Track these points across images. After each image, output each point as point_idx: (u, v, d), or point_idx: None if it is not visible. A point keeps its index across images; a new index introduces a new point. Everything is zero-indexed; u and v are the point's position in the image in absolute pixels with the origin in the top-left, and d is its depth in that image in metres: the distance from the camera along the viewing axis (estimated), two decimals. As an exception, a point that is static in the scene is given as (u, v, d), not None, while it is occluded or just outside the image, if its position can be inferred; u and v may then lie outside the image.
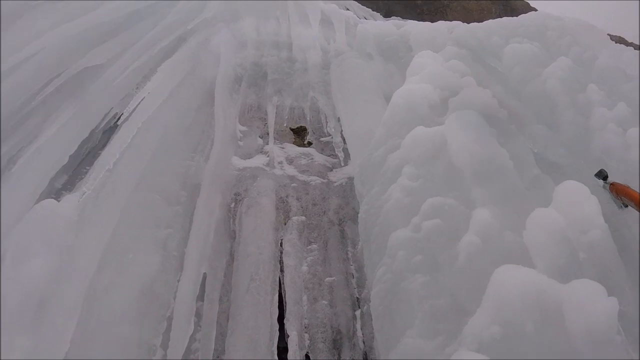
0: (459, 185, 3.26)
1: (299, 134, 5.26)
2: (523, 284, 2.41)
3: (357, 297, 3.88)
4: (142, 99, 4.60)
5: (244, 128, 5.08)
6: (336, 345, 3.59)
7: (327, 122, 5.22)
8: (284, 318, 3.62)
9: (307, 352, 3.53)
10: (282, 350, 3.49)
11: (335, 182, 4.65)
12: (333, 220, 4.34)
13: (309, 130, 5.29)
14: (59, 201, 3.95)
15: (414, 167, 3.49)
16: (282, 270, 3.89)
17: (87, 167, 4.49)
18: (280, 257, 3.97)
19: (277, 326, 3.54)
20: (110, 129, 4.78)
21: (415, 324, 2.76)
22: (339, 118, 5.12)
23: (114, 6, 5.68)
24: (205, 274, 3.80)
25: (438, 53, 5.01)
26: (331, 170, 4.83)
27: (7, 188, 4.04)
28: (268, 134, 5.07)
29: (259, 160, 4.72)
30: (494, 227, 2.90)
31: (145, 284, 3.63)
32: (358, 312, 3.78)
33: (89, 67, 4.93)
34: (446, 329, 2.66)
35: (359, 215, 3.75)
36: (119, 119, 4.73)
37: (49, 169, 4.21)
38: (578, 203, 2.94)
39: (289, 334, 3.50)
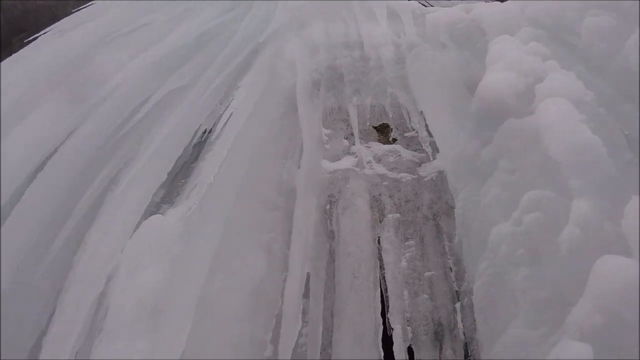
0: (556, 177, 3.34)
1: (383, 132, 5.48)
2: (624, 275, 2.53)
3: (456, 290, 4.08)
4: (230, 115, 5.02)
5: (328, 131, 5.39)
6: (438, 337, 3.83)
7: (409, 117, 5.39)
8: (385, 313, 3.91)
9: (410, 344, 3.80)
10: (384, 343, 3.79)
11: (425, 177, 4.84)
12: (427, 216, 4.55)
13: (392, 126, 5.49)
14: (164, 215, 4.52)
15: (509, 160, 3.62)
16: (381, 267, 4.17)
17: (183, 181, 5.04)
18: (379, 255, 4.25)
19: (380, 320, 3.84)
20: (199, 144, 5.30)
21: (519, 315, 2.93)
22: (421, 112, 5.28)
23: (184, 30, 6.21)
24: (308, 273, 4.16)
25: (514, 36, 5.00)
26: (420, 165, 5.02)
27: (113, 207, 4.68)
28: (352, 134, 5.34)
29: (347, 162, 5.01)
30: (593, 217, 2.98)
31: (254, 285, 4.06)
32: (458, 305, 3.98)
33: (172, 89, 5.48)
34: (549, 319, 2.81)
35: (456, 210, 3.94)
36: (207, 134, 5.23)
37: (151, 186, 4.76)
38: None
39: (392, 327, 3.78)
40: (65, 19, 6.37)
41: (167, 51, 5.81)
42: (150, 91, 5.50)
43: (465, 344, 3.83)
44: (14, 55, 5.94)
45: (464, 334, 3.86)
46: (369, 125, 5.52)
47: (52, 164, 4.79)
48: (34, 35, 6.15)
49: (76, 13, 6.46)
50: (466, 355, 3.82)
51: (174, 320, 3.74)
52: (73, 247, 4.43)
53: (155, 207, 4.95)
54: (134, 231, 4.37)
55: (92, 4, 6.64)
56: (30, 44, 5.98)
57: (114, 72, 5.52)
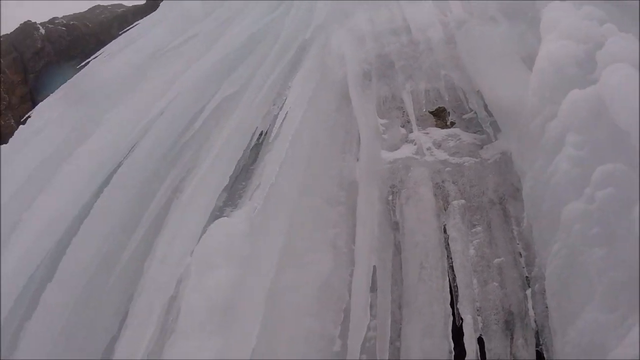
0: (627, 148, 3.18)
1: (439, 116, 5.42)
2: None
3: (526, 277, 3.99)
4: (286, 115, 5.16)
5: (384, 121, 5.39)
6: (508, 326, 3.76)
7: (466, 98, 5.29)
8: (454, 303, 3.89)
9: (481, 334, 3.77)
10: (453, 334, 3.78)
11: (489, 160, 4.75)
12: (493, 200, 4.46)
13: (449, 109, 5.41)
14: (229, 217, 4.73)
15: (577, 133, 3.48)
16: (449, 256, 4.16)
17: (243, 183, 5.26)
18: (446, 243, 4.23)
19: (450, 311, 3.83)
20: (257, 146, 5.49)
21: (595, 298, 2.83)
22: (478, 91, 5.17)
23: (230, 37, 6.44)
24: (374, 266, 4.22)
25: (566, 0, 4.79)
26: (481, 147, 4.92)
27: (179, 214, 4.95)
28: (409, 122, 5.32)
29: (407, 150, 5.00)
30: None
31: (322, 280, 4.17)
32: (529, 292, 3.89)
33: (226, 96, 5.69)
34: (626, 301, 2.69)
35: (524, 192, 3.85)
36: (264, 135, 5.41)
37: (214, 191, 5.03)
38: None
39: (462, 317, 3.76)
40: (112, 42, 6.75)
41: (217, 59, 6.06)
42: (206, 99, 5.77)
43: (537, 332, 3.74)
44: (69, 81, 6.37)
45: (535, 322, 3.76)
46: (425, 110, 5.47)
47: (118, 177, 5.15)
48: (84, 61, 6.58)
49: (122, 35, 6.83)
50: (538, 344, 3.73)
51: (244, 318, 3.94)
52: (143, 254, 4.76)
53: (219, 211, 5.20)
54: (202, 235, 4.62)
55: (136, 25, 7.00)
56: (83, 69, 6.37)
57: (169, 85, 5.83)
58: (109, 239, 4.99)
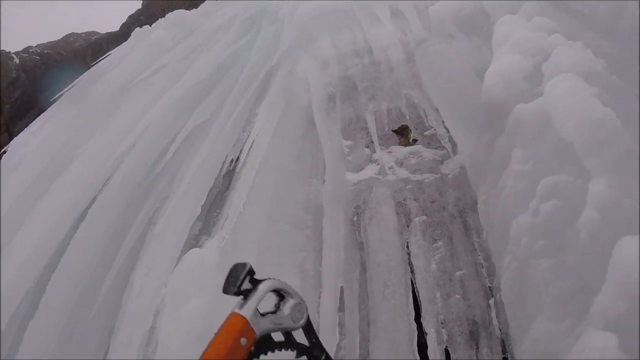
0: (571, 159, 3.28)
1: (403, 134, 5.52)
2: None
3: (489, 286, 4.05)
4: (252, 142, 5.25)
5: (349, 142, 5.49)
6: (473, 336, 3.81)
7: (426, 115, 5.41)
8: (419, 317, 3.95)
9: (446, 346, 3.81)
10: (421, 347, 3.82)
11: (448, 175, 4.84)
12: (454, 214, 4.54)
13: (411, 127, 5.53)
14: (201, 248, 4.78)
15: (522, 148, 3.58)
16: (412, 272, 4.22)
17: (217, 211, 5.31)
18: (409, 260, 4.30)
19: (414, 326, 3.88)
20: (229, 172, 5.56)
21: (545, 309, 2.90)
22: (437, 109, 5.28)
23: (200, 65, 6.58)
24: (342, 287, 4.28)
25: (518, 12, 4.91)
26: (442, 163, 5.02)
27: (154, 246, 5.01)
28: (373, 142, 5.42)
29: (370, 170, 5.09)
30: (611, 198, 2.91)
31: (292, 304, 4.22)
32: (491, 301, 3.95)
33: (197, 125, 5.78)
34: (574, 310, 2.77)
35: (478, 206, 3.94)
36: (235, 162, 5.49)
37: (187, 221, 5.10)
38: None
39: (427, 331, 3.82)
40: (85, 74, 6.85)
41: (186, 89, 6.18)
42: (176, 130, 5.87)
43: (502, 340, 3.79)
44: (43, 114, 6.45)
45: (500, 330, 3.82)
46: (388, 129, 5.58)
47: (93, 211, 5.21)
48: (59, 90, 6.65)
49: (94, 67, 6.93)
50: (504, 351, 3.78)
51: None
52: (121, 287, 4.81)
53: (194, 240, 5.26)
54: (176, 266, 4.67)
55: (108, 55, 7.11)
56: (56, 102, 6.46)
57: (140, 116, 5.92)
58: (88, 273, 5.07)
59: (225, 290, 1.41)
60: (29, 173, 5.78)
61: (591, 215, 2.92)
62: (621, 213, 2.89)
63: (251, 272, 1.40)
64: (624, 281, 2.49)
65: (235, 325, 1.33)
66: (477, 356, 3.83)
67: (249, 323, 1.32)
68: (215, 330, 1.25)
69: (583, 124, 3.30)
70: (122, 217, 5.36)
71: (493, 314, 3.98)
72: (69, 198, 5.44)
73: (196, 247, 4.90)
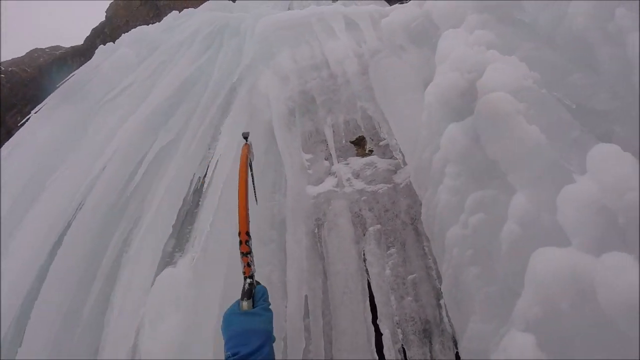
0: (497, 175, 3.62)
1: (360, 144, 5.83)
2: (556, 265, 2.68)
3: (439, 287, 4.42)
4: (217, 161, 5.50)
5: (309, 156, 5.79)
6: (426, 334, 4.19)
7: (380, 127, 5.72)
8: (377, 319, 4.31)
9: (402, 345, 4.18)
10: (380, 346, 4.19)
11: (400, 184, 5.18)
12: (406, 221, 4.89)
13: (367, 138, 5.84)
14: (175, 266, 5.05)
15: (455, 165, 3.91)
16: (368, 278, 4.57)
17: (189, 227, 5.57)
18: (365, 267, 4.64)
19: (372, 328, 4.24)
20: (197, 190, 5.81)
21: (476, 311, 3.27)
22: (388, 122, 5.58)
23: (166, 83, 6.72)
24: (306, 295, 4.61)
25: (462, 25, 5.12)
26: (395, 172, 5.35)
27: (131, 266, 5.25)
28: (331, 154, 5.73)
29: (329, 183, 5.41)
30: (530, 211, 3.23)
31: (261, 315, 4.55)
32: (442, 301, 4.32)
33: (163, 145, 6.00)
34: (500, 312, 3.13)
35: (422, 216, 4.28)
36: (203, 180, 5.74)
37: (160, 241, 5.34)
38: (611, 167, 2.90)
39: (382, 332, 4.18)
40: (49, 97, 6.94)
41: (152, 108, 6.35)
42: (144, 150, 6.07)
43: (453, 336, 4.17)
44: (9, 141, 6.55)
45: (451, 326, 4.19)
46: (345, 141, 5.87)
47: (69, 237, 5.39)
48: (25, 108, 6.74)
49: (62, 86, 7.03)
50: (456, 345, 4.16)
51: (197, 354, 4.32)
52: (101, 309, 5.04)
53: (169, 257, 5.52)
54: (152, 285, 4.94)
55: (72, 76, 7.20)
56: (23, 127, 6.57)
57: (108, 139, 6.10)
58: (69, 297, 5.24)
59: None
60: (2, 202, 5.91)
61: (511, 228, 3.26)
62: (539, 225, 3.22)
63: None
64: (539, 287, 2.82)
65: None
66: (430, 353, 4.21)
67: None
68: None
69: (507, 141, 3.63)
70: (97, 240, 5.56)
71: (444, 312, 4.35)
72: (44, 226, 5.59)
73: (170, 265, 5.16)
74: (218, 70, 6.93)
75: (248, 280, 1.93)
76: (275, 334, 4.48)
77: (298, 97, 6.30)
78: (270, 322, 1.78)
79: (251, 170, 2.63)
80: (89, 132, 6.40)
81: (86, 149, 6.21)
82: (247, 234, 2.07)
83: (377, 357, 4.16)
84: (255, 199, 2.97)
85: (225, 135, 5.87)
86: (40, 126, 6.64)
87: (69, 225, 5.59)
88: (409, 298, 4.37)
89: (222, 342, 4.29)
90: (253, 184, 2.81)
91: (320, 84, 6.31)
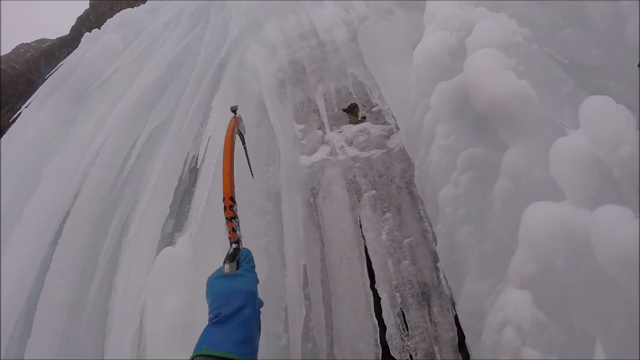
0: (487, 132, 3.51)
1: (352, 112, 5.71)
2: (550, 220, 2.55)
3: (435, 250, 4.36)
4: (209, 137, 5.40)
5: (302, 126, 5.68)
6: (425, 297, 4.15)
7: (371, 92, 5.58)
8: (374, 284, 4.27)
9: (401, 308, 4.15)
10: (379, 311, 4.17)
11: (394, 149, 5.08)
12: (400, 186, 4.81)
13: (359, 105, 5.71)
14: (174, 246, 5.01)
15: (445, 124, 3.80)
16: (365, 244, 4.52)
17: (187, 206, 5.51)
18: (362, 233, 4.58)
19: (371, 292, 4.21)
20: (193, 169, 5.73)
21: (471, 271, 3.21)
22: (379, 87, 5.44)
23: (153, 65, 6.55)
24: (304, 264, 4.58)
25: None
26: (388, 137, 5.24)
27: (131, 250, 5.22)
28: (324, 123, 5.61)
29: (322, 152, 5.31)
30: (522, 167, 3.13)
31: (260, 286, 4.52)
32: (439, 263, 4.27)
33: (155, 127, 5.89)
34: (495, 270, 3.05)
35: (415, 179, 4.19)
36: (197, 158, 5.65)
37: (158, 222, 5.29)
38: (605, 119, 2.82)
39: (380, 297, 4.14)
40: (39, 88, 6.80)
41: (142, 91, 6.21)
42: (136, 134, 5.97)
43: (451, 298, 4.12)
44: (5, 135, 6.47)
45: (449, 288, 4.15)
46: (337, 110, 5.75)
47: (68, 226, 5.35)
48: (16, 105, 6.61)
49: (50, 78, 6.89)
50: (455, 308, 4.12)
51: (200, 330, 4.32)
52: (105, 294, 5.03)
53: (169, 238, 5.49)
54: (152, 266, 4.91)
55: (60, 66, 7.05)
56: (15, 123, 6.46)
57: (99, 126, 6.00)
58: (73, 286, 5.22)
59: None
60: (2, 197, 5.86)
61: (504, 184, 3.18)
62: (532, 181, 3.13)
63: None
64: (533, 244, 2.73)
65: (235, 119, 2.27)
66: (429, 315, 4.18)
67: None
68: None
69: (497, 97, 3.50)
70: (97, 227, 5.51)
71: (441, 275, 4.30)
72: (43, 217, 5.54)
73: (170, 245, 5.12)
74: (205, 47, 6.76)
75: (233, 245, 1.87)
76: (275, 303, 4.51)
77: (288, 67, 6.15)
78: (253, 283, 1.74)
79: (244, 143, 2.61)
80: (79, 121, 6.28)
81: (78, 138, 6.11)
82: (232, 199, 1.97)
83: (376, 322, 4.14)
84: (252, 173, 2.88)
85: (216, 112, 5.75)
86: (31, 120, 6.51)
87: (67, 214, 5.54)
88: (406, 262, 4.32)
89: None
90: (247, 158, 2.74)
91: (309, 53, 6.15)
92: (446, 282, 4.23)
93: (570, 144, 2.87)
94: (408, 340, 4.06)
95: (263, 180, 5.21)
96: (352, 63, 5.83)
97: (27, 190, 5.67)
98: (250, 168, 2.76)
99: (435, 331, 4.06)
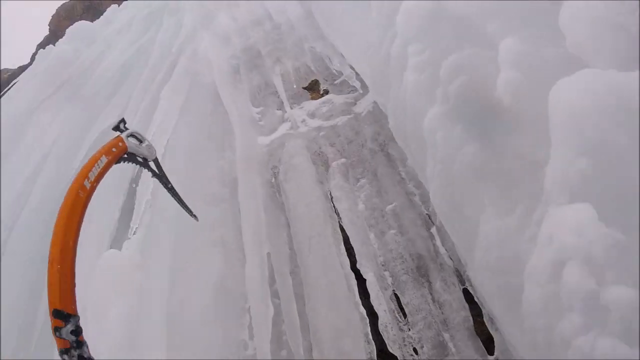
0: (471, 31, 2.36)
1: (313, 89, 4.53)
2: (594, 86, 1.56)
3: (426, 214, 3.07)
4: (156, 127, 4.18)
5: (259, 109, 4.47)
6: (421, 271, 2.82)
7: (332, 62, 4.44)
8: (356, 264, 2.93)
9: (394, 290, 2.80)
10: (366, 295, 2.80)
11: (362, 113, 3.86)
12: (374, 149, 3.56)
13: (320, 80, 4.54)
14: (118, 249, 3.69)
15: (417, 41, 2.63)
16: (339, 217, 3.21)
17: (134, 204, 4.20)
18: (334, 205, 3.28)
19: (352, 275, 2.86)
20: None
21: (487, 204, 1.94)
22: (341, 53, 4.30)
23: (105, 67, 5.47)
24: (268, 253, 3.25)
25: None
26: (354, 104, 4.04)
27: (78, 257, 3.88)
28: (283, 103, 4.41)
29: (283, 129, 4.09)
30: (527, 51, 1.99)
31: (215, 285, 3.20)
32: (433, 229, 2.97)
33: (104, 129, 4.70)
34: (523, 192, 1.81)
35: (389, 124, 2.96)
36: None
37: (106, 225, 4.01)
38: None
39: (365, 277, 2.80)
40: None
41: (90, 96, 5.05)
42: (82, 136, 4.73)
43: (456, 269, 2.80)
44: None
45: (451, 258, 2.84)
46: (297, 88, 4.56)
47: (13, 242, 4.15)
48: None
49: (2, 98, 5.73)
50: (461, 281, 2.78)
51: (149, 347, 3.00)
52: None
53: (117, 242, 4.16)
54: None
55: (14, 83, 5.92)
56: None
57: (45, 136, 4.78)
58: (22, 309, 3.93)
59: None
60: None
61: (509, 76, 1.98)
62: (542, 64, 1.96)
63: (123, 121, 1.80)
64: (576, 128, 1.55)
65: (115, 139, 1.64)
66: (431, 293, 2.84)
67: (123, 140, 1.64)
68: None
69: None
70: (42, 240, 4.21)
71: (438, 242, 2.99)
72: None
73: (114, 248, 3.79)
74: (159, 46, 5.66)
75: None
76: (235, 305, 3.04)
77: (242, 54, 5.03)
78: None
79: (165, 181, 1.95)
80: (28, 133, 5.05)
81: (22, 149, 4.87)
82: (58, 314, 1.04)
83: (363, 311, 2.78)
84: (192, 214, 2.13)
85: (164, 103, 4.54)
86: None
87: (12, 228, 4.24)
88: (392, 231, 3.01)
89: (174, 324, 2.96)
90: (176, 196, 2.03)
91: (264, 37, 5.06)
92: (446, 250, 2.90)
93: (584, 6, 1.87)
94: (408, 330, 2.70)
95: (217, 167, 3.94)
96: (309, 37, 4.74)
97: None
98: (186, 208, 2.05)
99: (442, 313, 2.71)
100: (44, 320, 3.86)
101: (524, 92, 1.92)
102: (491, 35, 2.22)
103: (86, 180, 1.31)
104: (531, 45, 2.02)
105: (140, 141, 1.77)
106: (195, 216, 2.07)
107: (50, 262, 1.00)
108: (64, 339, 0.96)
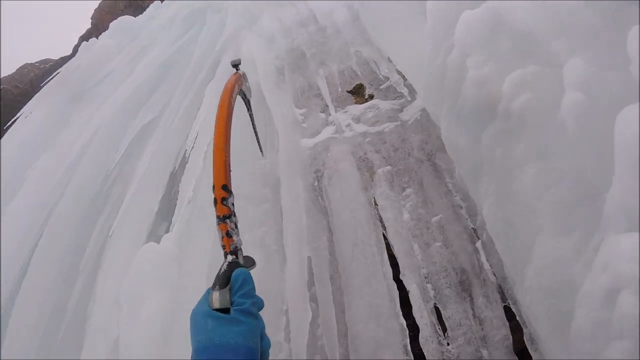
0: (534, 48, 2.40)
1: (358, 93, 4.61)
2: None
3: (472, 228, 3.11)
4: (200, 124, 4.36)
5: (302, 111, 4.58)
6: (464, 286, 2.87)
7: (378, 67, 4.51)
8: (399, 275, 3.00)
9: (435, 303, 2.86)
10: (408, 308, 2.87)
11: (409, 120, 3.92)
12: (421, 158, 3.62)
13: (365, 84, 4.62)
14: (157, 242, 3.86)
15: (477, 54, 2.68)
16: (383, 226, 3.28)
17: (176, 201, 4.36)
18: (378, 213, 3.36)
19: (394, 285, 2.93)
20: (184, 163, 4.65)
21: (544, 227, 1.98)
22: (388, 58, 4.37)
23: (144, 65, 5.71)
24: (309, 257, 3.35)
25: None
26: (401, 110, 4.10)
27: (113, 252, 4.09)
28: (327, 106, 4.51)
29: (327, 132, 4.19)
30: (593, 72, 2.02)
31: (256, 285, 3.31)
32: (479, 243, 3.02)
33: (145, 124, 4.88)
34: (581, 217, 1.85)
35: (442, 135, 3.02)
36: (186, 150, 4.58)
37: (144, 219, 4.21)
38: None
39: (408, 289, 2.87)
40: (35, 95, 5.93)
41: (131, 89, 5.27)
42: (125, 130, 4.97)
43: (499, 285, 2.84)
44: (4, 137, 5.57)
45: (494, 274, 2.88)
46: (341, 91, 4.65)
47: (50, 229, 4.31)
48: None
49: (44, 87, 6.01)
50: (503, 299, 2.82)
51: (183, 344, 3.10)
52: (85, 301, 3.92)
53: (156, 236, 4.34)
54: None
55: (57, 73, 6.20)
56: (9, 131, 5.55)
57: (87, 123, 5.03)
58: (52, 293, 4.15)
59: None
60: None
61: (575, 97, 2.02)
62: (607, 87, 1.99)
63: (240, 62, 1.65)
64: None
65: (237, 74, 1.52)
66: (472, 309, 2.88)
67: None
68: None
69: (539, 10, 2.43)
70: (80, 228, 4.45)
71: (482, 257, 3.04)
72: (24, 220, 4.51)
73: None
74: (201, 46, 5.84)
75: (229, 258, 1.08)
76: (274, 307, 3.21)
77: (286, 55, 5.15)
78: (254, 332, 0.96)
79: (249, 110, 1.84)
80: (72, 122, 5.33)
81: (66, 137, 5.13)
82: (225, 188, 1.16)
83: (404, 322, 2.85)
84: (261, 149, 2.11)
85: (207, 101, 4.71)
86: (27, 122, 5.60)
87: (49, 215, 4.48)
88: (437, 244, 3.07)
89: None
90: (255, 129, 1.98)
91: (308, 38, 5.17)
92: (490, 266, 2.94)
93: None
94: (447, 344, 2.75)
95: (260, 167, 4.07)
96: (355, 42, 4.81)
97: (9, 194, 4.62)
98: (258, 142, 2.04)
99: (482, 329, 2.75)
100: (76, 300, 4.08)
101: (588, 115, 1.95)
102: (555, 53, 2.26)
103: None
104: (597, 68, 2.05)
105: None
106: (262, 151, 2.14)
107: (219, 150, 1.18)
108: (228, 207, 1.13)
